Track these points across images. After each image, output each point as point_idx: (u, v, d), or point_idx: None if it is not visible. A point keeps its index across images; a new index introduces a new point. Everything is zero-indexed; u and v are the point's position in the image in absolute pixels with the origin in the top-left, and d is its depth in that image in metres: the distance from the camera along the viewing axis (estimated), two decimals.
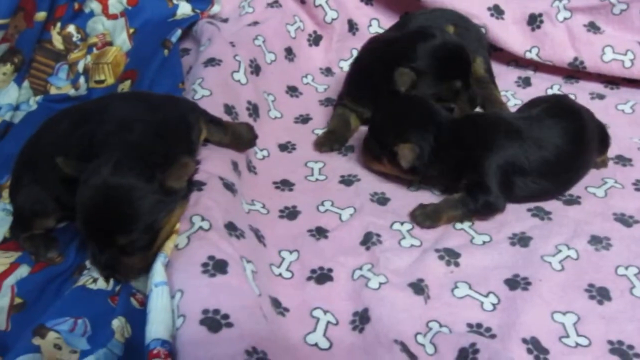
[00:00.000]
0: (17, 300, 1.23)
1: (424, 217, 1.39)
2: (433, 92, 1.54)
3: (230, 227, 1.24)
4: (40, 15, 1.81)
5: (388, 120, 1.47)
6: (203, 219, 1.21)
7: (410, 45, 1.54)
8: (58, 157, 1.18)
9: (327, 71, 1.97)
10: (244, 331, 1.03)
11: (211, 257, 1.13)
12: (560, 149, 1.42)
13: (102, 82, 1.86)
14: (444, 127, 1.43)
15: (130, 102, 1.37)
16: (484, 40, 1.85)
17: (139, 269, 1.20)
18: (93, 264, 1.25)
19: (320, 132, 1.70)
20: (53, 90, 1.87)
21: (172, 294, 1.08)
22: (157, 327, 1.02)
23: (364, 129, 1.69)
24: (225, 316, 1.04)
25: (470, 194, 1.39)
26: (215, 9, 1.97)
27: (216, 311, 1.04)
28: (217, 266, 1.12)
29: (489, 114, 1.59)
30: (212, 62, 1.67)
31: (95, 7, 1.90)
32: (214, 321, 1.02)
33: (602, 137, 1.52)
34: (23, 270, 1.31)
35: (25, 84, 1.84)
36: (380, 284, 1.23)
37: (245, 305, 1.08)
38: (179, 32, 1.84)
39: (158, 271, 1.11)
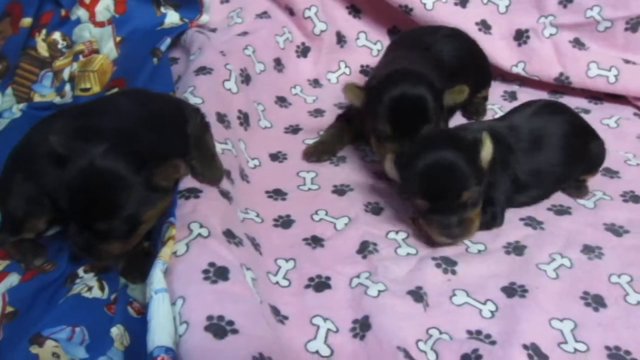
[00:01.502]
0: (9, 309, 1.20)
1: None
2: None
3: (229, 235, 1.23)
4: (26, 21, 1.79)
5: None
6: (201, 226, 1.19)
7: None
8: (52, 136, 1.18)
9: (315, 82, 1.98)
10: (249, 337, 1.02)
11: (212, 264, 1.12)
12: (555, 145, 1.46)
13: (87, 90, 1.83)
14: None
15: (125, 97, 1.36)
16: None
17: (114, 256, 1.20)
18: (71, 243, 1.22)
19: (310, 142, 1.70)
20: (37, 98, 1.84)
21: (172, 301, 1.06)
22: (160, 334, 1.00)
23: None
24: (230, 322, 1.02)
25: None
26: (204, 18, 1.96)
27: (221, 317, 1.02)
28: (218, 273, 1.11)
29: (481, 124, 1.60)
30: (203, 70, 1.66)
31: (82, 14, 1.88)
32: (219, 327, 1.01)
33: (595, 151, 1.54)
34: (13, 279, 1.29)
35: (9, 91, 1.81)
36: (380, 291, 1.23)
37: (249, 311, 1.07)
38: (168, 40, 1.83)
39: (157, 278, 1.09)
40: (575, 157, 1.50)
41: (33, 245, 1.37)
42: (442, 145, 1.32)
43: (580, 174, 1.54)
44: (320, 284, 1.28)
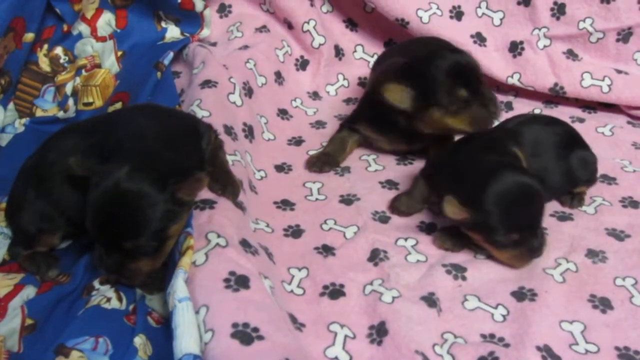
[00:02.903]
0: (28, 322, 1.20)
1: (453, 243, 1.41)
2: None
3: (245, 244, 1.25)
4: (29, 37, 1.79)
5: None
6: (219, 236, 1.21)
7: None
8: (71, 157, 1.20)
9: (315, 95, 2.01)
10: (275, 344, 1.03)
11: (232, 273, 1.14)
12: (551, 154, 1.50)
13: (90, 104, 1.84)
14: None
15: (140, 112, 1.38)
16: None
17: (145, 274, 1.21)
18: (99, 265, 1.23)
19: (313, 153, 1.72)
20: (39, 113, 1.84)
21: (196, 310, 1.08)
22: (187, 342, 1.01)
23: (357, 151, 1.75)
24: (256, 329, 1.04)
25: None
26: (205, 32, 1.98)
27: (246, 324, 1.04)
28: (239, 281, 1.12)
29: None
30: (208, 83, 1.68)
31: (84, 29, 1.89)
32: (245, 334, 1.02)
33: (585, 166, 1.56)
34: (29, 291, 1.29)
35: (11, 106, 1.82)
36: (394, 298, 1.26)
37: (272, 318, 1.09)
38: (171, 54, 1.84)
39: (180, 287, 1.10)
40: (563, 167, 1.53)
41: (46, 258, 1.38)
42: (509, 172, 1.32)
43: (572, 186, 1.57)
44: (335, 292, 1.30)
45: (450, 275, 1.34)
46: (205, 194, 1.33)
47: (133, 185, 1.14)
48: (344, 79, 2.05)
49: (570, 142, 1.56)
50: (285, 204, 1.55)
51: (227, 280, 1.12)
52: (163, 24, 1.96)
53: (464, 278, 1.34)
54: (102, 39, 1.90)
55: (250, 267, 1.17)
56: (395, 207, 1.53)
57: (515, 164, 1.38)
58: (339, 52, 2.07)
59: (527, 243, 1.33)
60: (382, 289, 1.28)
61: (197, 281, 1.13)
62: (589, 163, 1.57)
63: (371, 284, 1.30)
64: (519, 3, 1.99)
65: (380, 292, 1.27)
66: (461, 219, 1.32)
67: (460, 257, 1.39)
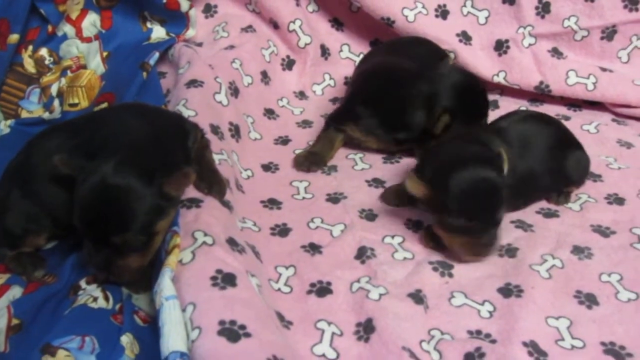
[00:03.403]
0: (14, 321, 1.19)
1: (437, 242, 1.41)
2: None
3: (232, 243, 1.25)
4: (14, 38, 1.79)
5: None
6: (206, 235, 1.21)
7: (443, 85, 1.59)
8: (56, 155, 1.19)
9: (301, 95, 2.01)
10: (262, 341, 1.03)
11: (219, 271, 1.13)
12: (540, 155, 1.50)
13: (76, 105, 1.83)
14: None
15: (126, 110, 1.38)
16: None
17: (133, 271, 1.21)
18: (88, 263, 1.23)
19: (300, 152, 1.72)
20: (24, 114, 1.84)
21: (182, 308, 1.08)
22: (174, 340, 1.01)
23: (343, 150, 1.75)
24: (242, 327, 1.04)
25: None
26: (190, 32, 1.98)
27: (233, 322, 1.04)
28: (226, 279, 1.12)
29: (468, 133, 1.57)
30: (194, 83, 1.68)
31: (69, 30, 1.88)
32: (232, 332, 1.02)
33: (578, 167, 1.58)
34: (16, 292, 1.28)
35: None
36: (381, 295, 1.26)
37: (259, 316, 1.09)
38: (157, 55, 1.84)
39: (167, 285, 1.10)
40: (558, 170, 1.54)
41: (32, 258, 1.37)
42: (477, 163, 1.33)
43: (563, 186, 1.58)
44: (322, 289, 1.30)
45: (437, 273, 1.35)
46: (191, 192, 1.33)
47: (120, 180, 1.14)
48: (330, 78, 2.05)
49: (563, 142, 1.57)
50: (272, 203, 1.55)
51: (214, 278, 1.12)
52: (148, 25, 1.96)
53: (450, 275, 1.35)
54: (88, 40, 1.89)
55: (237, 266, 1.17)
56: (386, 198, 1.55)
57: (490, 159, 1.37)
58: (325, 52, 2.07)
59: (478, 235, 1.34)
60: (369, 287, 1.28)
61: (184, 279, 1.12)
62: (583, 164, 1.59)
63: (358, 281, 1.30)
64: (504, 2, 2.00)
65: (368, 290, 1.27)
66: (421, 195, 1.34)
67: (447, 254, 1.40)
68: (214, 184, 1.35)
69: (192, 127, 1.40)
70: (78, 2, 1.87)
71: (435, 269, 1.35)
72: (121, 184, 1.13)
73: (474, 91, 1.64)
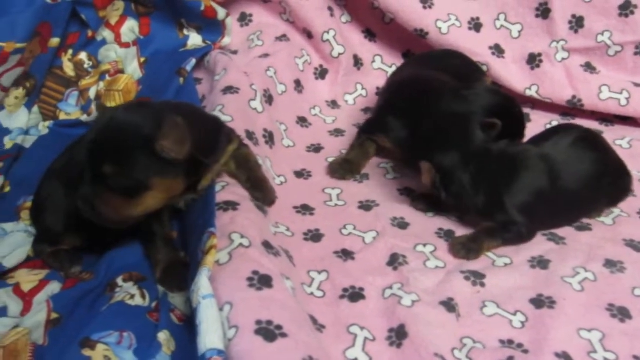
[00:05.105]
0: (54, 315, 1.23)
1: (467, 251, 1.42)
2: None
3: (267, 246, 1.26)
4: (54, 41, 1.83)
5: (427, 134, 1.54)
6: (242, 237, 1.23)
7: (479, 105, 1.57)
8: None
9: (333, 104, 2.03)
10: (298, 342, 1.05)
11: (255, 272, 1.15)
12: (584, 182, 1.50)
13: None
14: (474, 156, 1.48)
15: (165, 104, 1.41)
16: None
17: (115, 214, 1.22)
18: (77, 198, 1.24)
19: (334, 159, 1.74)
20: (62, 116, 1.88)
21: (219, 307, 1.09)
22: (211, 337, 1.03)
23: (375, 159, 1.77)
24: (279, 327, 1.05)
25: (504, 226, 1.45)
26: (226, 40, 2.01)
27: (269, 322, 1.05)
28: (262, 280, 1.14)
29: (517, 147, 1.56)
30: (230, 90, 1.71)
31: (108, 35, 1.93)
32: (269, 331, 1.04)
33: (621, 185, 1.58)
34: (54, 287, 1.33)
35: (35, 109, 1.85)
36: (413, 301, 1.27)
37: (295, 317, 1.10)
38: (193, 61, 1.87)
39: (204, 284, 1.12)
40: (601, 195, 1.55)
41: (69, 255, 1.40)
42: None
43: (604, 206, 1.58)
44: (354, 295, 1.31)
45: (468, 282, 1.35)
46: (228, 195, 1.36)
47: (127, 118, 1.20)
48: (363, 88, 2.07)
49: (610, 168, 1.55)
50: (305, 209, 1.56)
51: (250, 279, 1.14)
52: (185, 32, 1.99)
53: (482, 285, 1.35)
54: (126, 45, 1.93)
55: (272, 268, 1.19)
56: (414, 202, 1.58)
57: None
58: (357, 62, 2.10)
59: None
60: (401, 293, 1.29)
61: (221, 279, 1.14)
62: (627, 189, 1.59)
63: (390, 287, 1.31)
64: (537, 16, 2.01)
65: (400, 296, 1.28)
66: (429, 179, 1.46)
67: (478, 264, 1.40)
68: (263, 190, 1.38)
69: (229, 129, 1.43)
70: (117, 9, 1.92)
71: (467, 278, 1.35)
72: (127, 121, 1.19)
73: (510, 112, 1.63)
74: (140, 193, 1.21)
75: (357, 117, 1.96)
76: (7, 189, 1.61)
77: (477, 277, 1.36)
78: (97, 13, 1.90)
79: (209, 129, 1.36)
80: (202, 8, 1.90)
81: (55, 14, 1.80)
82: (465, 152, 1.48)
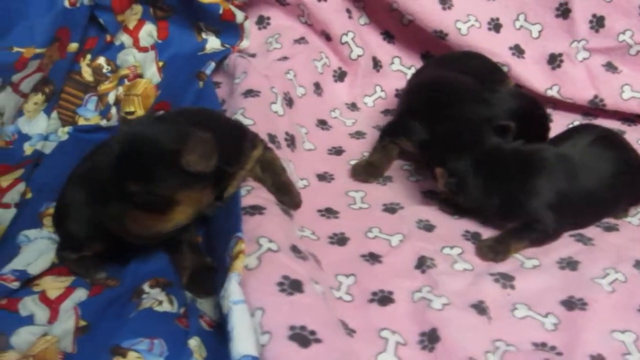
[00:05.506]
0: (82, 323, 1.22)
1: (494, 254, 1.41)
2: None
3: (295, 250, 1.25)
4: (73, 46, 1.82)
5: (440, 139, 1.52)
6: (270, 241, 1.22)
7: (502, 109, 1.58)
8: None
9: (353, 106, 2.02)
10: (332, 347, 1.04)
11: (286, 277, 1.14)
12: (604, 181, 1.48)
13: (131, 113, 1.86)
14: (487, 158, 1.47)
15: (187, 110, 1.41)
16: None
17: (144, 229, 1.20)
18: (102, 216, 1.22)
19: (354, 162, 1.73)
20: (81, 122, 1.87)
21: (250, 313, 1.08)
22: (244, 344, 1.02)
23: (397, 161, 1.75)
24: (312, 332, 1.04)
25: (529, 226, 1.44)
26: (244, 43, 2.00)
27: (303, 327, 1.04)
28: (293, 285, 1.13)
29: (533, 147, 1.54)
30: (251, 93, 1.70)
31: (126, 39, 1.92)
32: (303, 337, 1.03)
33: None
34: (81, 294, 1.31)
35: (54, 114, 1.84)
36: (444, 305, 1.25)
37: (327, 322, 1.09)
38: (212, 64, 1.87)
39: (234, 290, 1.11)
40: (622, 194, 1.53)
41: (94, 261, 1.39)
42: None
43: (628, 205, 1.57)
44: (383, 298, 1.29)
45: (498, 284, 1.33)
46: (253, 199, 1.34)
47: (152, 131, 1.19)
48: (382, 90, 2.06)
49: (632, 166, 1.54)
50: (329, 212, 1.55)
51: (280, 284, 1.12)
52: (203, 35, 1.98)
53: (512, 287, 1.33)
54: (144, 50, 1.92)
55: (302, 272, 1.18)
56: (443, 207, 1.57)
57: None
58: (376, 64, 2.08)
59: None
60: (431, 296, 1.28)
61: (251, 285, 1.13)
62: None
63: (419, 291, 1.30)
64: (557, 16, 2.00)
65: (429, 299, 1.27)
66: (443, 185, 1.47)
67: (507, 266, 1.39)
68: (288, 194, 1.37)
69: (253, 134, 1.42)
70: (136, 13, 1.91)
71: (496, 281, 1.34)
72: (151, 136, 1.17)
73: (533, 115, 1.62)
74: (168, 208, 1.20)
75: (377, 119, 1.95)
76: (29, 195, 1.60)
77: (506, 279, 1.35)
78: (115, 17, 1.89)
79: (233, 135, 1.36)
80: (221, 11, 1.89)
81: (74, 18, 1.79)
82: (477, 155, 1.47)
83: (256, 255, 1.19)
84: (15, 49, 1.68)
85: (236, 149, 1.34)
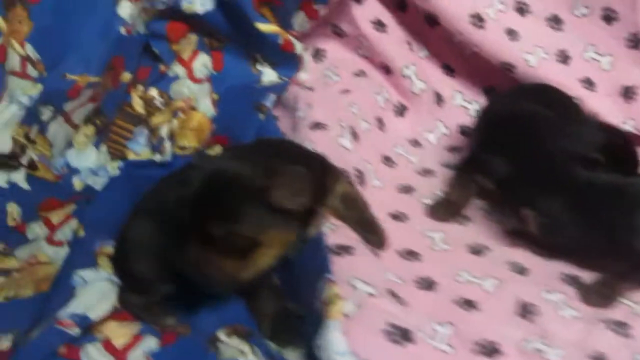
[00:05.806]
0: None
1: (602, 298, 1.30)
2: None
3: (392, 294, 1.13)
4: (126, 76, 1.73)
5: (527, 176, 1.42)
6: (366, 284, 1.11)
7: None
8: None
9: (415, 143, 1.91)
10: None
11: (392, 325, 1.03)
12: None
13: (185, 148, 1.75)
14: (581, 195, 1.36)
15: (267, 141, 1.31)
16: None
17: (224, 276, 1.09)
18: (181, 265, 1.11)
19: (427, 201, 1.61)
20: (131, 156, 1.75)
21: None
22: None
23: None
24: None
25: (636, 266, 1.32)
26: (303, 76, 1.89)
27: None
28: (400, 333, 1.02)
29: (627, 180, 1.43)
30: (318, 126, 1.60)
31: (180, 71, 1.81)
32: None
33: None
34: (150, 342, 1.19)
35: (103, 148, 1.74)
36: (560, 357, 1.13)
37: None
38: (273, 97, 1.76)
39: (337, 340, 0.99)
40: None
41: (161, 305, 1.27)
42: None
43: None
44: (490, 350, 1.16)
45: (613, 332, 1.21)
46: (339, 238, 1.24)
47: (234, 167, 1.09)
48: (445, 127, 1.95)
49: None
50: (411, 255, 1.42)
51: (387, 332, 1.02)
52: (258, 67, 1.88)
53: (629, 335, 1.20)
54: (198, 81, 1.82)
55: (407, 319, 1.07)
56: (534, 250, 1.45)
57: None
58: (438, 98, 1.98)
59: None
60: (543, 347, 1.15)
61: (353, 333, 1.01)
62: None
63: (529, 340, 1.17)
64: (628, 47, 1.90)
65: (543, 350, 1.14)
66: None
67: (617, 314, 1.26)
68: (373, 232, 1.26)
69: (335, 167, 1.32)
70: (191, 42, 1.81)
71: (611, 329, 1.21)
72: (233, 172, 1.07)
73: (620, 148, 1.53)
74: (252, 252, 1.09)
75: (443, 156, 1.84)
76: (81, 232, 1.47)
77: (620, 327, 1.22)
78: (170, 46, 1.79)
79: (317, 169, 1.25)
80: (281, 41, 1.79)
81: (129, 47, 1.69)
82: (571, 192, 1.36)
83: (353, 300, 1.07)
84: (69, 77, 1.58)
85: (321, 184, 1.23)
